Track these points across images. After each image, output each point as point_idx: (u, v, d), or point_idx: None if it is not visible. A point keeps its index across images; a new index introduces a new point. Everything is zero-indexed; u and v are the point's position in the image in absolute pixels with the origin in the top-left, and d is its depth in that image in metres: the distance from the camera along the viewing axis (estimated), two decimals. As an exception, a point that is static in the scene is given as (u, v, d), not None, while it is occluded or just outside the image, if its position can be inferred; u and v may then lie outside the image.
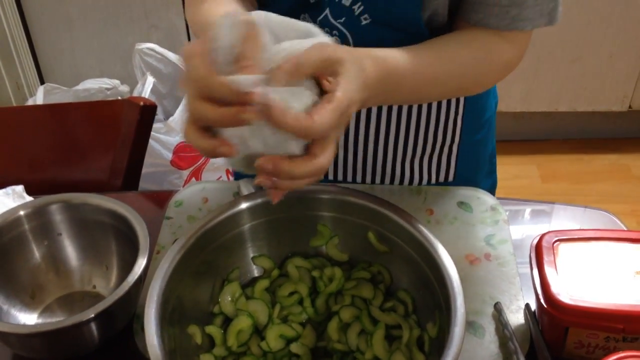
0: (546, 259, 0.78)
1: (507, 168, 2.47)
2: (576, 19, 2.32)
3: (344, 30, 0.88)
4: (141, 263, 0.80)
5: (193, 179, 2.14)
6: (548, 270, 0.77)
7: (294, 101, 0.61)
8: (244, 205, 0.81)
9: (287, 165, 0.62)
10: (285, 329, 0.79)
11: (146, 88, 2.21)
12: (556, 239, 0.81)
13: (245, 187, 0.97)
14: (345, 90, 0.63)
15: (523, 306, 0.84)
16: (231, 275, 0.83)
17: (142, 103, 1.13)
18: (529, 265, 0.80)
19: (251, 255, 0.85)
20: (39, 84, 2.52)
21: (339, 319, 0.79)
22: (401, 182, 1.06)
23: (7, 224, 0.86)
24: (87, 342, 0.80)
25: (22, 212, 0.87)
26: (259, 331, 0.80)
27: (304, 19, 0.90)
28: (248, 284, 0.85)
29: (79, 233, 0.90)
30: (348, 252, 0.86)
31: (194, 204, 1.03)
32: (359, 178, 1.07)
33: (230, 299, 0.82)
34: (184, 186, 2.11)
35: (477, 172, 1.11)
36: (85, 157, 1.16)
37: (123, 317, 0.83)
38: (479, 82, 0.89)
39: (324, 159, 0.64)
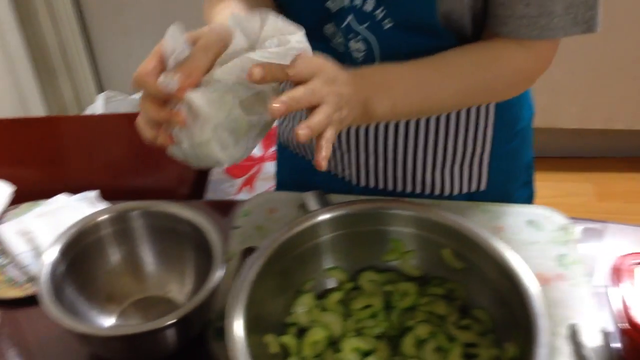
0: (626, 281, 0.78)
1: (562, 185, 2.44)
2: (635, 35, 2.29)
3: (368, 36, 0.88)
4: (217, 272, 0.81)
5: (247, 187, 2.16)
6: (629, 292, 0.76)
7: (215, 106, 0.68)
8: (322, 217, 0.82)
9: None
10: (361, 342, 0.79)
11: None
12: (635, 261, 0.80)
13: (311, 200, 0.99)
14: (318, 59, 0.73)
15: (599, 328, 0.83)
16: (305, 286, 0.84)
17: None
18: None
19: (325, 267, 0.85)
20: (96, 91, 2.57)
21: (414, 335, 0.79)
22: (432, 191, 1.06)
23: (88, 228, 0.88)
24: (164, 346, 0.82)
25: (102, 217, 0.89)
26: (332, 343, 0.80)
27: (327, 29, 0.91)
28: (321, 296, 0.85)
29: (155, 240, 0.92)
30: (421, 268, 0.86)
31: (261, 214, 1.04)
32: (390, 185, 1.07)
33: (304, 309, 0.82)
34: (235, 194, 2.14)
35: (511, 182, 1.10)
36: (155, 165, 1.18)
37: (198, 324, 0.84)
38: (487, 87, 0.88)
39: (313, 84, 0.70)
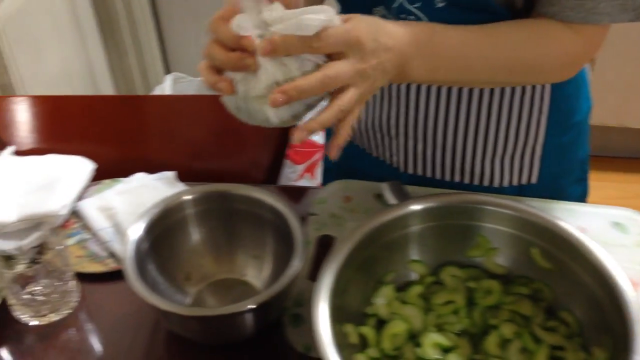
0: None
1: (631, 187, 2.37)
2: None
3: (420, 15, 0.86)
4: (299, 260, 0.80)
5: (308, 174, 2.16)
6: None
7: (277, 65, 0.68)
8: (413, 208, 0.81)
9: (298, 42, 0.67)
10: (442, 338, 0.78)
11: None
12: None
13: (388, 191, 0.97)
14: (352, 24, 0.70)
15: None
16: (386, 278, 0.83)
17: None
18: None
19: (408, 259, 0.84)
20: (164, 72, 2.60)
21: (499, 334, 0.78)
22: (480, 181, 1.04)
23: (173, 206, 0.89)
24: (241, 330, 0.82)
25: (186, 197, 0.90)
26: (412, 336, 0.79)
27: (377, 12, 0.90)
28: (401, 288, 0.84)
29: (236, 223, 0.92)
30: (506, 266, 0.84)
31: (336, 202, 1.03)
32: (438, 174, 1.05)
33: (384, 301, 0.81)
34: (296, 180, 2.14)
35: (564, 177, 1.07)
36: (231, 148, 1.18)
37: (276, 310, 0.84)
38: (533, 65, 0.84)
39: (334, 70, 0.69)
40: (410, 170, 1.08)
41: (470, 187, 1.04)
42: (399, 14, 0.87)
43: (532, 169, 1.03)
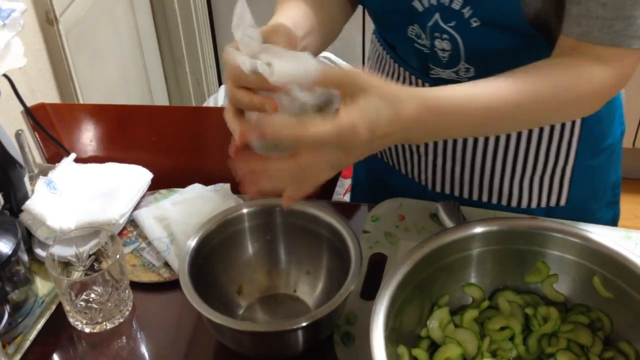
0: None
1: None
2: None
3: (455, 34, 0.85)
4: (353, 278, 0.80)
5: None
6: None
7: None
8: (474, 231, 0.80)
9: (271, 126, 0.66)
10: (496, 364, 0.77)
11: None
12: None
13: (443, 211, 0.96)
14: (350, 115, 0.65)
15: None
16: (441, 301, 0.82)
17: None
18: None
19: (464, 282, 0.83)
20: (217, 82, 2.63)
21: (555, 363, 0.76)
22: (509, 202, 1.02)
23: (230, 219, 0.89)
24: (292, 347, 0.82)
25: (243, 211, 0.90)
26: (465, 361, 0.78)
27: (412, 31, 0.89)
28: (456, 312, 0.83)
29: (292, 238, 0.92)
30: (565, 293, 0.82)
31: (391, 221, 1.03)
32: (465, 193, 1.04)
33: (438, 324, 0.80)
34: (344, 195, 2.13)
35: (594, 200, 1.05)
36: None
37: (328, 328, 0.84)
38: (559, 112, 0.81)
39: (307, 161, 0.67)
40: (438, 189, 1.07)
41: (498, 207, 1.03)
42: (433, 33, 0.87)
43: (562, 192, 1.02)
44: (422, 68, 0.96)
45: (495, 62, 0.83)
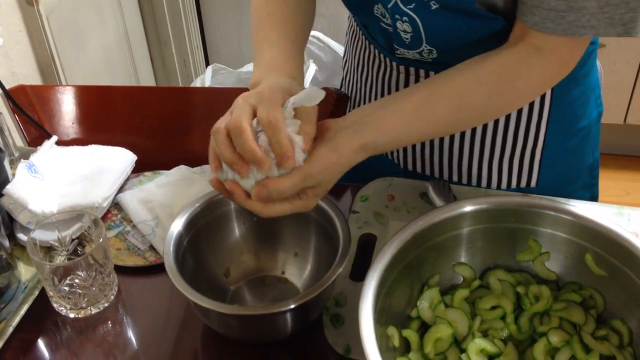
0: None
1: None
2: None
3: (414, 16, 0.85)
4: (342, 260, 0.78)
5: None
6: None
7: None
8: (464, 209, 0.79)
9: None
10: (487, 343, 0.75)
11: (308, 75, 2.23)
12: None
13: (433, 190, 0.95)
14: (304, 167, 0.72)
15: None
16: (431, 280, 0.81)
17: (336, 93, 1.12)
18: None
19: (454, 261, 0.82)
20: (204, 62, 2.60)
21: (547, 342, 0.75)
22: (478, 182, 1.03)
23: (215, 201, 0.87)
24: (281, 330, 0.81)
25: (229, 193, 0.88)
26: (456, 342, 0.77)
27: (377, 10, 0.89)
28: (446, 292, 0.82)
29: (279, 220, 0.89)
30: (556, 271, 0.81)
31: (380, 200, 1.01)
32: (436, 173, 1.05)
33: (428, 304, 0.79)
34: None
35: (568, 183, 1.05)
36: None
37: (316, 310, 0.82)
38: (502, 108, 0.82)
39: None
40: (410, 167, 1.07)
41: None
42: (394, 14, 0.86)
43: (532, 174, 1.01)
44: (388, 47, 0.96)
45: (457, 45, 0.85)
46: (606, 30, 0.74)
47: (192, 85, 2.29)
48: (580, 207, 0.78)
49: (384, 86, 1.03)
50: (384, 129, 0.76)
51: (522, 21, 0.78)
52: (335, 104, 1.12)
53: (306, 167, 0.72)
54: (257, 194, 0.71)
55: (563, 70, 0.80)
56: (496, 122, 0.97)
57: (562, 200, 0.81)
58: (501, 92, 0.79)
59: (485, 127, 0.98)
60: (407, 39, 0.89)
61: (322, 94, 0.72)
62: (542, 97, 0.95)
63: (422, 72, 0.96)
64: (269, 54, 0.83)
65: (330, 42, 2.33)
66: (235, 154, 0.71)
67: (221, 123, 0.73)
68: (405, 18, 0.86)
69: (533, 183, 1.02)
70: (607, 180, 1.10)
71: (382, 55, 1.00)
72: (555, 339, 0.75)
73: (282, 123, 0.70)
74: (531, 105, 0.95)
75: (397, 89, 1.01)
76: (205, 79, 2.19)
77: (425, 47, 0.89)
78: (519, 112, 0.96)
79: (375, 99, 1.06)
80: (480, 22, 0.82)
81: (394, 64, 0.98)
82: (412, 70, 0.97)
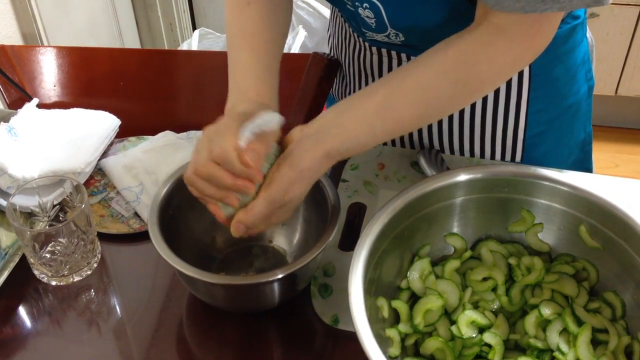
0: None
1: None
2: None
3: (376, 2, 0.83)
4: (331, 229, 0.76)
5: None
6: None
7: None
8: (457, 179, 0.77)
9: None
10: (478, 315, 0.74)
11: (297, 41, 2.19)
12: None
13: (424, 159, 0.93)
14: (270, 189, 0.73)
15: None
16: (422, 251, 0.79)
17: (327, 59, 1.10)
18: None
19: (446, 232, 0.80)
20: (191, 27, 2.55)
21: (538, 314, 0.74)
22: (461, 154, 1.03)
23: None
24: (268, 300, 0.79)
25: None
26: (447, 313, 0.76)
27: None
28: (437, 262, 0.80)
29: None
30: (549, 243, 0.80)
31: (370, 169, 0.99)
32: (417, 145, 1.05)
33: (419, 275, 0.78)
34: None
35: (560, 159, 1.03)
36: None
37: (304, 280, 0.81)
38: (472, 92, 0.77)
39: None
40: (398, 142, 1.07)
41: None
42: (354, 2, 0.85)
43: (515, 152, 1.00)
44: (359, 30, 0.95)
45: (422, 28, 0.83)
46: (573, 3, 0.68)
47: (179, 49, 2.25)
48: (577, 178, 0.76)
49: (360, 66, 1.02)
50: (346, 135, 0.74)
51: (483, 1, 0.72)
52: (326, 69, 1.09)
53: (267, 193, 0.73)
54: (236, 231, 0.75)
55: (532, 49, 0.74)
56: (474, 104, 0.96)
57: (557, 169, 0.80)
58: (464, 79, 0.74)
59: (473, 105, 0.97)
60: (372, 23, 0.88)
61: (278, 118, 0.75)
62: (520, 77, 0.92)
63: (393, 54, 0.95)
64: (242, 81, 0.83)
65: (319, 7, 2.29)
66: (219, 191, 0.74)
67: (190, 170, 0.75)
68: (365, 5, 0.84)
69: (518, 158, 1.01)
70: (596, 153, 1.08)
71: (356, 35, 0.99)
72: (547, 311, 0.74)
73: (232, 156, 0.71)
74: (509, 84, 0.93)
75: (371, 70, 1.00)
76: (192, 43, 2.15)
77: (392, 31, 0.88)
78: (497, 92, 0.94)
79: (353, 77, 1.05)
80: (444, 6, 0.79)
81: (367, 44, 0.97)
82: (384, 51, 0.96)
